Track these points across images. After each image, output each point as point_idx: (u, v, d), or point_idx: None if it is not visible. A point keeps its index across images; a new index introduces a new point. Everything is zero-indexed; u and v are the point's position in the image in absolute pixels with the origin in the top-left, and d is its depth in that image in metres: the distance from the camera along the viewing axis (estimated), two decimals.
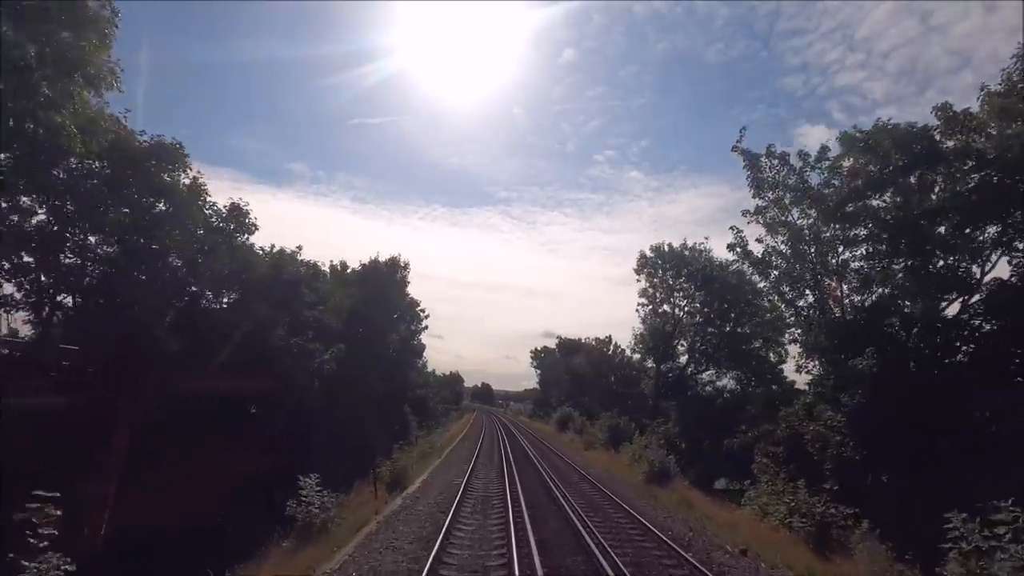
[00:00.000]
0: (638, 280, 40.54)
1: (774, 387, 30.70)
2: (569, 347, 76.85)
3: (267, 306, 18.80)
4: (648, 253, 40.78)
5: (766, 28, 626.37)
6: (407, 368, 48.14)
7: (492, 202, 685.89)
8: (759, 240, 22.58)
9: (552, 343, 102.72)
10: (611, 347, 59.81)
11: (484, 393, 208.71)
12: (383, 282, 34.27)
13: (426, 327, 47.99)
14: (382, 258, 35.14)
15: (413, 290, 49.46)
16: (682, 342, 37.24)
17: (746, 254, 22.56)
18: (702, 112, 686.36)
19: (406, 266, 35.79)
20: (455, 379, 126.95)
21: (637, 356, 40.94)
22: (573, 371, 64.46)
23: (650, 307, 39.78)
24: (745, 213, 22.16)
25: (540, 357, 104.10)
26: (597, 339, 62.29)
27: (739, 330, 34.95)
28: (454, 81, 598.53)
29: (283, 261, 20.58)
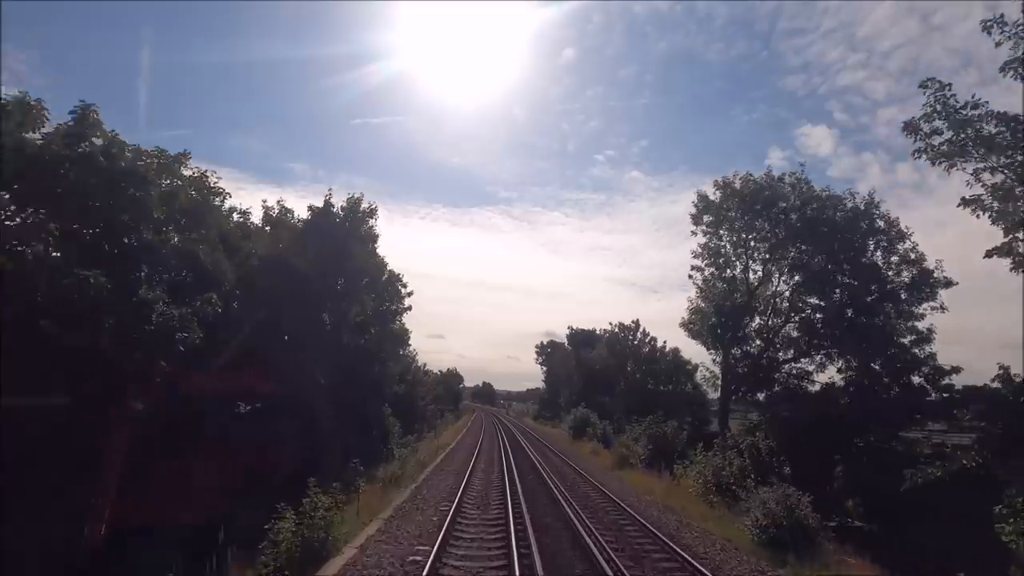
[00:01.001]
0: (693, 233, 29.13)
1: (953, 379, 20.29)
2: (582, 339, 66.32)
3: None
4: (711, 194, 27.93)
5: (767, 27, 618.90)
6: (384, 357, 38.25)
7: (493, 202, 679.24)
8: (975, 104, 12.13)
9: (559, 341, 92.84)
10: (637, 335, 49.31)
11: (485, 393, 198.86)
12: (337, 233, 24.21)
13: (409, 307, 37.85)
14: (337, 201, 24.96)
15: (397, 265, 39.77)
16: (750, 321, 26.57)
17: (967, 124, 11.85)
18: (703, 112, 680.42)
19: (373, 212, 25.58)
20: (453, 377, 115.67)
21: (693, 341, 29.52)
22: (587, 366, 54.16)
23: (711, 270, 28.37)
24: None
25: (546, 352, 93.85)
26: (621, 324, 51.99)
27: (871, 288, 23.12)
28: (455, 81, 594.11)
29: (88, 132, 10.53)
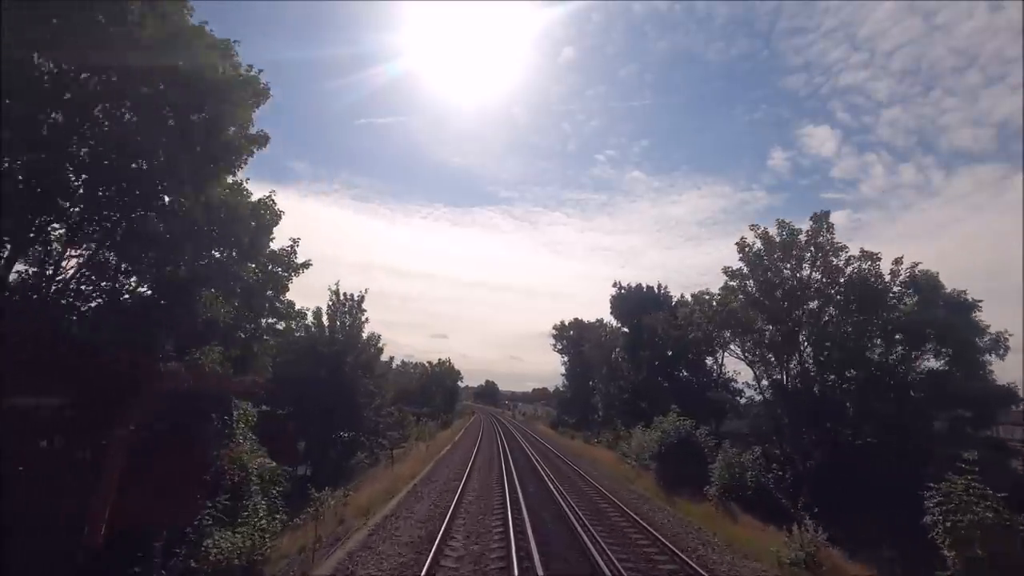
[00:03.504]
0: None
1: None
2: (636, 302, 41.41)
3: None
4: None
5: (767, 27, 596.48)
6: (208, 272, 14.07)
7: (494, 202, 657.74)
8: None
9: (587, 321, 68.60)
10: (823, 236, 21.80)
11: (489, 392, 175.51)
12: None
13: (264, 139, 14.05)
14: None
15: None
16: None
17: None
18: (704, 112, 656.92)
19: None
20: (447, 372, 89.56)
21: None
22: (662, 337, 29.86)
23: None
24: None
25: (568, 336, 69.79)
26: (781, 224, 23.17)
27: None
28: (458, 81, 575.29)
29: None
